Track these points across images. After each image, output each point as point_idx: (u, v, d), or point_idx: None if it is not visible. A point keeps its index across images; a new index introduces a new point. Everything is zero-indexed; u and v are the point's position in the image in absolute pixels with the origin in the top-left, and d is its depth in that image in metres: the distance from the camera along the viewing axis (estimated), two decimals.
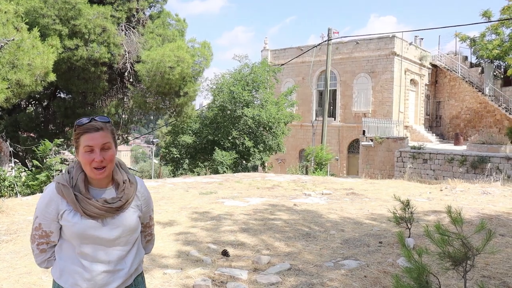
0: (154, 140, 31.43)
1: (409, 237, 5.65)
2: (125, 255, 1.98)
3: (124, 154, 73.56)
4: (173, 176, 21.53)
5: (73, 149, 2.08)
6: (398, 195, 10.11)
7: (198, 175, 18.99)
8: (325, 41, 24.52)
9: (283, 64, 28.79)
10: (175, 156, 23.19)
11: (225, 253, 4.95)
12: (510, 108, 29.02)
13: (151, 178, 30.78)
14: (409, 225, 5.64)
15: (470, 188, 10.56)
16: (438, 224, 3.01)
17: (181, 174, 21.31)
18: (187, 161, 23.01)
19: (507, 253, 5.11)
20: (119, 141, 19.16)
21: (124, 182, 1.98)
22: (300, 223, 6.70)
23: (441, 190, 10.62)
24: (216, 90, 23.53)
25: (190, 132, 23.43)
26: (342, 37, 27.75)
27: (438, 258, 3.12)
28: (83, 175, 1.92)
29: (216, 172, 19.82)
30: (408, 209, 5.66)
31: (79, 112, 16.10)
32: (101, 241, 1.90)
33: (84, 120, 1.90)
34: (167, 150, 23.83)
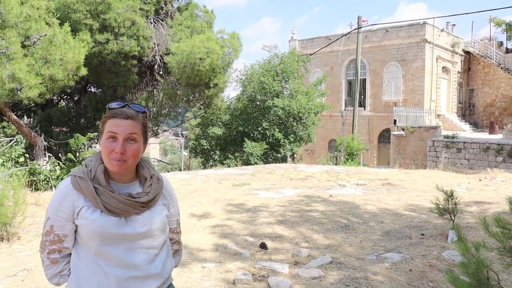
0: (183, 132, 31.54)
1: (452, 228, 5.44)
2: (152, 259, 1.70)
3: (153, 147, 74.48)
4: (203, 168, 21.60)
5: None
6: (435, 185, 9.86)
7: (229, 167, 18.96)
8: (354, 29, 24.09)
9: (311, 54, 28.43)
10: (205, 148, 23.24)
11: (263, 246, 4.85)
12: None
13: (180, 170, 31.02)
14: (452, 217, 5.43)
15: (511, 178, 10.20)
16: (498, 217, 2.82)
17: (212, 166, 21.36)
18: (217, 152, 23.04)
19: None
20: (149, 134, 19.31)
21: (151, 177, 1.75)
22: (338, 214, 6.55)
23: (480, 180, 10.28)
24: (245, 81, 23.44)
25: (219, 123, 23.44)
26: (371, 25, 27.20)
27: (498, 253, 2.94)
28: (103, 166, 1.67)
29: (247, 163, 19.76)
30: (452, 200, 5.44)
31: None
32: (124, 241, 1.63)
33: (116, 103, 1.67)
34: (197, 142, 23.91)
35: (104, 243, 1.61)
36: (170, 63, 13.45)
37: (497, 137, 23.27)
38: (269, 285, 3.72)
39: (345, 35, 28.50)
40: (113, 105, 1.67)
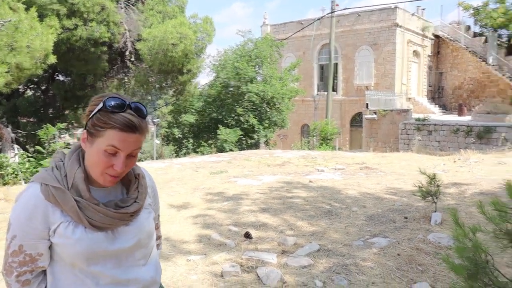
0: (155, 120, 31.11)
1: (435, 211, 5.44)
2: (145, 268, 1.49)
3: None
4: (176, 157, 21.32)
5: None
6: (412, 168, 9.93)
7: (203, 154, 18.77)
8: (327, 14, 24.05)
9: (284, 39, 28.26)
10: (178, 136, 22.93)
11: (248, 235, 4.74)
12: None
13: (152, 159, 30.61)
14: (435, 199, 5.43)
15: (484, 159, 10.36)
16: (495, 200, 2.77)
17: (185, 154, 21.10)
18: (190, 140, 22.77)
19: None
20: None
21: (136, 178, 1.49)
22: (320, 200, 6.49)
23: (455, 162, 10.41)
24: (219, 67, 23.15)
25: (193, 111, 23.14)
26: (343, 9, 27.17)
27: (493, 235, 2.90)
28: (82, 172, 1.37)
29: (221, 150, 19.59)
30: (434, 182, 5.44)
31: (79, 95, 15.80)
32: (114, 257, 1.40)
33: (119, 103, 1.32)
34: (169, 130, 23.55)
35: (91, 263, 1.37)
36: (142, 49, 13.12)
37: (466, 119, 23.72)
38: (258, 276, 3.62)
39: (318, 19, 28.42)
40: (117, 105, 1.32)
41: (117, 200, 1.42)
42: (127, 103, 1.34)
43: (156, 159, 26.05)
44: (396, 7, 29.42)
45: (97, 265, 1.38)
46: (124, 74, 16.33)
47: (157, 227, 1.69)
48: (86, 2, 12.48)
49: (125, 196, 1.47)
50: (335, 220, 5.45)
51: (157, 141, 33.50)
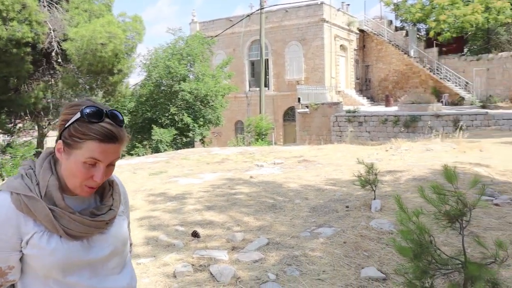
0: None
1: (374, 198, 5.68)
2: (121, 276, 1.45)
3: (50, 140, 69.92)
4: None
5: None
6: (347, 158, 10.28)
7: (138, 155, 18.36)
8: (257, 10, 24.25)
9: (214, 37, 28.22)
10: None
11: (195, 234, 4.71)
12: (434, 69, 30.39)
13: None
14: (374, 188, 5.66)
15: (414, 147, 10.91)
16: (435, 184, 2.94)
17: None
18: None
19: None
20: (49, 127, 18.09)
21: (110, 185, 1.45)
22: (263, 195, 6.57)
23: (387, 151, 10.89)
24: (150, 66, 22.71)
25: (125, 111, 22.54)
26: (271, 5, 27.57)
27: (434, 217, 3.07)
28: (56, 180, 1.32)
29: (156, 151, 19.26)
30: (372, 171, 5.67)
31: (3, 99, 14.91)
32: (90, 266, 1.35)
33: (96, 112, 1.27)
34: None
35: (67, 273, 1.32)
36: (69, 49, 12.58)
37: (393, 109, 24.85)
38: (211, 274, 3.61)
39: (248, 16, 28.63)
40: (96, 116, 1.27)
41: (92, 208, 1.37)
42: (104, 111, 1.29)
43: None
44: (322, 3, 30.25)
45: (73, 276, 1.33)
46: (50, 76, 15.59)
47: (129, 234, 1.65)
48: (4, 0, 11.78)
49: (99, 203, 1.42)
50: (280, 213, 5.55)
51: None
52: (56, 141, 1.34)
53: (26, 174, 1.33)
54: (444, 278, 3.33)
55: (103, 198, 1.43)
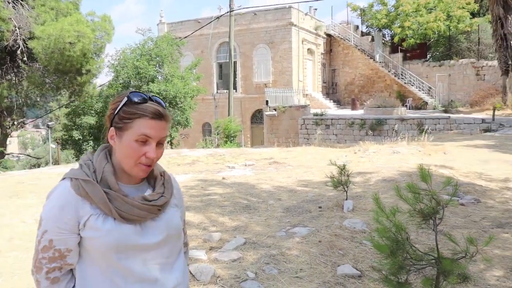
0: (49, 123, 29.29)
1: (346, 199, 5.83)
2: (171, 269, 1.50)
3: (14, 140, 67.88)
4: (77, 161, 20.31)
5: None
6: (317, 160, 10.46)
7: None
8: (226, 13, 24.30)
9: (184, 37, 28.09)
10: (78, 138, 21.82)
11: None
12: (398, 73, 31.15)
13: (47, 164, 28.84)
14: (345, 188, 5.81)
15: (381, 149, 11.18)
16: (410, 184, 3.08)
17: None
18: (91, 143, 21.79)
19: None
20: (14, 127, 17.63)
21: (161, 175, 1.54)
22: (237, 196, 6.64)
23: (355, 153, 11.12)
24: (118, 66, 22.40)
25: (92, 112, 22.15)
26: (240, 8, 27.60)
27: (409, 215, 3.22)
28: (111, 166, 1.43)
29: None
30: (344, 172, 5.83)
31: None
32: (142, 252, 1.42)
33: (138, 96, 1.41)
34: (67, 133, 22.34)
35: (121, 257, 1.38)
36: (35, 48, 12.33)
37: (359, 112, 25.35)
38: (191, 273, 3.66)
39: (217, 18, 28.60)
40: (141, 97, 1.41)
41: (145, 195, 1.45)
42: (148, 96, 1.43)
43: (53, 164, 24.61)
44: (290, 7, 30.56)
45: (126, 260, 1.39)
46: (14, 75, 15.20)
47: (184, 232, 1.71)
48: None
49: (152, 192, 1.50)
50: (255, 214, 5.63)
51: (53, 146, 31.65)
52: (106, 131, 1.47)
53: (84, 164, 1.44)
54: (417, 273, 3.48)
55: (155, 188, 1.51)
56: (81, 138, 21.92)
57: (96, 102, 22.15)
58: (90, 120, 21.54)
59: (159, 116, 1.40)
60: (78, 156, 22.10)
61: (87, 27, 12.89)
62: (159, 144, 1.43)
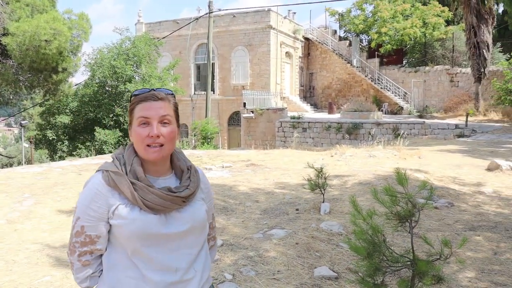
0: (23, 122, 28.67)
1: (323, 202, 5.88)
2: (193, 259, 1.58)
3: None
4: (51, 161, 19.96)
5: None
6: (294, 163, 10.51)
7: (80, 157, 17.83)
8: (205, 14, 24.25)
9: (160, 38, 27.90)
10: (52, 138, 21.42)
11: None
12: (375, 78, 31.56)
13: (20, 163, 28.24)
14: (322, 191, 5.86)
15: (358, 153, 11.30)
16: (387, 186, 3.13)
17: (60, 158, 19.81)
18: (66, 143, 21.42)
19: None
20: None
21: (188, 169, 1.63)
22: (214, 197, 6.59)
23: (332, 156, 11.22)
24: (95, 65, 22.09)
25: (67, 111, 21.78)
26: (219, 10, 27.59)
27: (385, 218, 3.26)
28: (139, 159, 1.54)
29: (100, 152, 18.77)
30: (322, 175, 5.87)
31: None
32: (165, 241, 1.51)
33: (145, 89, 1.58)
34: (41, 133, 21.92)
35: (144, 244, 1.49)
36: (9, 45, 12.04)
37: (336, 116, 25.57)
38: None
39: (196, 19, 28.51)
40: (139, 91, 1.57)
41: (170, 186, 1.54)
42: (149, 89, 1.58)
43: (26, 163, 24.12)
44: (269, 10, 30.69)
45: (149, 248, 1.49)
46: None
47: (211, 226, 1.81)
48: None
49: (179, 184, 1.59)
50: (232, 215, 5.63)
51: (26, 145, 31.00)
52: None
53: (116, 158, 1.57)
54: (393, 275, 3.53)
55: (182, 180, 1.60)
56: (56, 137, 21.54)
57: (72, 101, 21.81)
58: (65, 119, 21.18)
59: (153, 97, 1.53)
60: (52, 155, 21.70)
61: (63, 25, 12.68)
62: (164, 123, 1.52)
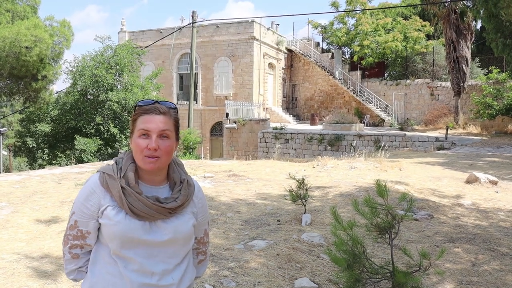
0: (2, 129, 28.18)
1: (305, 213, 5.89)
2: (171, 269, 1.64)
3: None
4: (30, 169, 19.65)
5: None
6: (276, 174, 10.52)
7: (60, 165, 17.58)
8: (188, 24, 24.26)
9: (143, 47, 27.84)
10: (32, 146, 21.09)
11: None
12: (357, 91, 31.89)
13: None
14: (304, 202, 5.87)
15: (339, 164, 11.36)
16: (368, 198, 3.15)
17: (40, 166, 19.50)
18: (46, 151, 21.11)
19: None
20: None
21: (181, 182, 1.69)
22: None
23: (314, 167, 11.26)
24: (76, 74, 21.89)
25: (48, 119, 21.50)
26: (202, 20, 27.61)
27: (366, 229, 3.28)
28: (134, 166, 1.62)
29: (80, 161, 18.54)
30: (303, 186, 5.89)
31: None
32: (146, 246, 1.59)
33: (145, 101, 1.65)
34: (20, 140, 21.57)
35: (124, 246, 1.57)
36: None
37: (318, 128, 25.74)
38: None
39: (180, 29, 28.54)
40: (143, 102, 1.65)
41: (159, 196, 1.61)
42: (154, 101, 1.66)
43: (4, 172, 23.68)
44: (253, 21, 30.89)
45: (129, 250, 1.58)
46: None
47: (202, 242, 1.87)
48: None
49: (170, 196, 1.66)
50: (213, 226, 5.59)
51: (4, 152, 30.50)
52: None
53: (116, 162, 1.66)
54: (373, 286, 3.54)
55: (173, 191, 1.67)
56: (36, 145, 21.23)
57: (52, 109, 21.55)
58: (45, 127, 20.91)
59: (154, 110, 1.60)
60: (31, 164, 21.38)
61: (45, 31, 12.57)
62: (163, 137, 1.59)
